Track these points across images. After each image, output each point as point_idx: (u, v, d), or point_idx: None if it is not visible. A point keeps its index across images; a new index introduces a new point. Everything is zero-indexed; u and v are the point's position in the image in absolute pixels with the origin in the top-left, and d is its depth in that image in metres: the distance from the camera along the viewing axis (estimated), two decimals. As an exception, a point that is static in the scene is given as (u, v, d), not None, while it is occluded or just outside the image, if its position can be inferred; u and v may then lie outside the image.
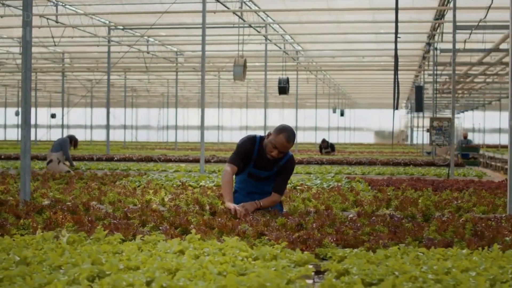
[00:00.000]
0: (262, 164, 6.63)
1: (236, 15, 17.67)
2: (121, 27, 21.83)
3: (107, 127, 22.48)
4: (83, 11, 19.47)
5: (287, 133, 6.38)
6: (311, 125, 42.48)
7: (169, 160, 19.12)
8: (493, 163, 24.51)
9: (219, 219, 5.70)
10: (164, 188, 9.58)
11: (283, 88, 23.88)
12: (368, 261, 4.15)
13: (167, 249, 4.42)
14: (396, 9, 13.75)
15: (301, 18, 20.12)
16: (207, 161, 18.89)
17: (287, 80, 23.88)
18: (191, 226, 5.45)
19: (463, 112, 49.52)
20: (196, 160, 19.08)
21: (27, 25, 7.59)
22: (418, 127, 54.23)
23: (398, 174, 14.13)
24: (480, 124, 43.87)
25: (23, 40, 7.64)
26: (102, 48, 24.22)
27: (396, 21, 13.49)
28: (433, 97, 20.10)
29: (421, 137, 52.54)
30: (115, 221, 5.61)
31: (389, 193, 8.88)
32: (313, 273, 4.12)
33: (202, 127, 14.76)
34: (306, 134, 52.61)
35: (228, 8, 16.69)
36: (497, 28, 14.02)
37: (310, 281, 3.95)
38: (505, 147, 32.89)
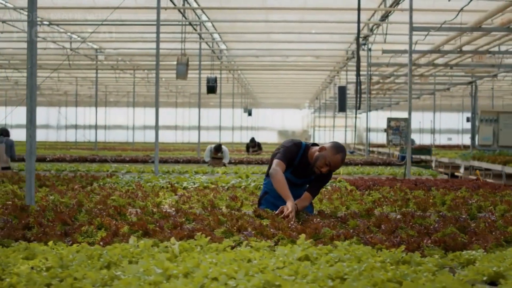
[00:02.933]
0: (301, 172, 6.48)
1: (180, 12, 17.32)
2: (47, 23, 21.00)
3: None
4: (12, 4, 18.62)
5: (343, 154, 6.30)
6: (216, 124, 42.30)
7: (106, 161, 18.53)
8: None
9: (291, 223, 5.49)
10: (159, 189, 9.22)
11: (212, 87, 23.70)
12: (512, 264, 4.07)
13: (290, 255, 4.19)
14: (359, 10, 13.89)
15: (234, 17, 19.95)
16: (145, 162, 18.47)
17: (215, 79, 23.72)
18: (272, 231, 5.21)
19: (365, 112, 50.66)
20: (134, 161, 18.63)
21: (32, 25, 7.47)
22: (320, 126, 55.14)
23: (355, 173, 14.21)
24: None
25: (29, 39, 7.44)
26: (18, 44, 23.30)
27: (358, 22, 13.60)
28: (367, 97, 20.39)
29: (325, 136, 53.52)
30: (188, 227, 5.30)
31: (399, 193, 8.86)
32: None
33: (156, 127, 14.34)
34: (210, 133, 52.44)
35: (175, 5, 16.34)
36: (453, 30, 14.33)
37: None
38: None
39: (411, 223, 5.78)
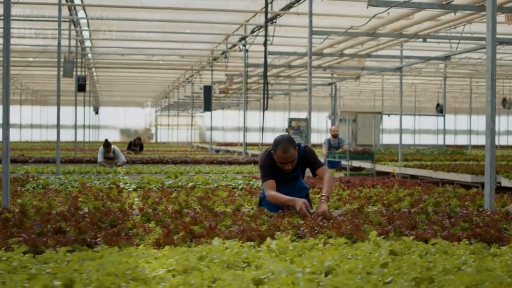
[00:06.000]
0: (283, 170, 6.80)
1: (69, 9, 16.92)
2: None
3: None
4: None
5: (281, 145, 6.63)
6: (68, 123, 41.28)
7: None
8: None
9: (316, 219, 5.76)
10: (101, 191, 9.11)
11: (82, 86, 23.23)
12: None
13: (376, 251, 4.45)
14: (266, 12, 14.26)
15: (115, 15, 19.64)
16: (25, 162, 17.87)
17: (85, 78, 23.30)
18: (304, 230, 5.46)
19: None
20: (13, 161, 17.86)
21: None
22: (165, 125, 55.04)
23: (256, 172, 14.55)
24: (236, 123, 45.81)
25: (4, 33, 7.30)
26: None
27: (266, 24, 13.98)
28: (244, 95, 20.83)
29: (169, 135, 53.47)
30: (237, 228, 5.43)
31: (352, 192, 9.31)
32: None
33: (58, 126, 14.03)
34: (49, 132, 50.94)
35: (67, 1, 15.95)
36: (349, 34, 15.05)
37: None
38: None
39: (416, 220, 6.22)
